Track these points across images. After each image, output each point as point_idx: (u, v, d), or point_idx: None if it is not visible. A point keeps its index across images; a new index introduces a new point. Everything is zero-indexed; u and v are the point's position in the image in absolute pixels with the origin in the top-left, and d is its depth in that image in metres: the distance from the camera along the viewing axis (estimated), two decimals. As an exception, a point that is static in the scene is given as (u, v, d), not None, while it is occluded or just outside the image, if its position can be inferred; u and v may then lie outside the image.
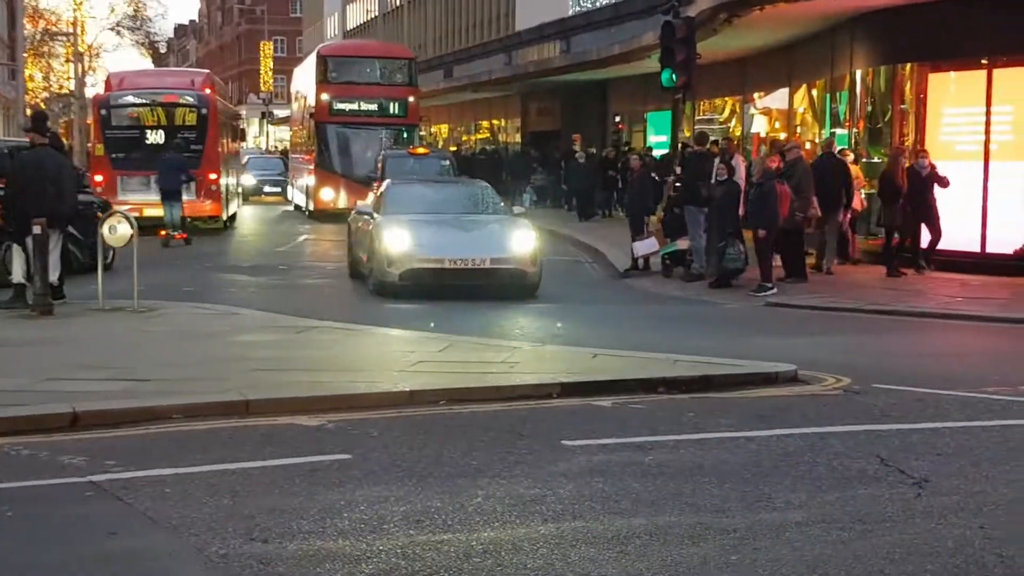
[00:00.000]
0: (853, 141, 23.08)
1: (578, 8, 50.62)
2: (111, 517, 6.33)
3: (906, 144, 20.54)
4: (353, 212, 19.67)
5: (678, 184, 20.18)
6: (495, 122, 58.97)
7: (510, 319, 14.85)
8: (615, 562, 5.58)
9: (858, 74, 23.09)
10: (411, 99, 35.41)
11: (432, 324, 13.55)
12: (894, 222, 18.96)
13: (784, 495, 6.71)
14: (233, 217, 32.83)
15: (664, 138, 32.23)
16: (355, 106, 34.85)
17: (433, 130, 62.15)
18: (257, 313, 14.50)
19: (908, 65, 21.14)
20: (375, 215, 17.60)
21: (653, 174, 22.90)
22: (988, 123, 19.30)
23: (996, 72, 19.41)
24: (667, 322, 14.38)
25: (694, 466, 7.39)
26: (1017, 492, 6.83)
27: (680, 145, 23.25)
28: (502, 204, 19.01)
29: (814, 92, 27.59)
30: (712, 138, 24.09)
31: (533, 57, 48.00)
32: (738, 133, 33.36)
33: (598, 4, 48.53)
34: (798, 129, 28.48)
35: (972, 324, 14.71)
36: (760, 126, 32.04)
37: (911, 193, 18.71)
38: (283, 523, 6.15)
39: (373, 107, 34.89)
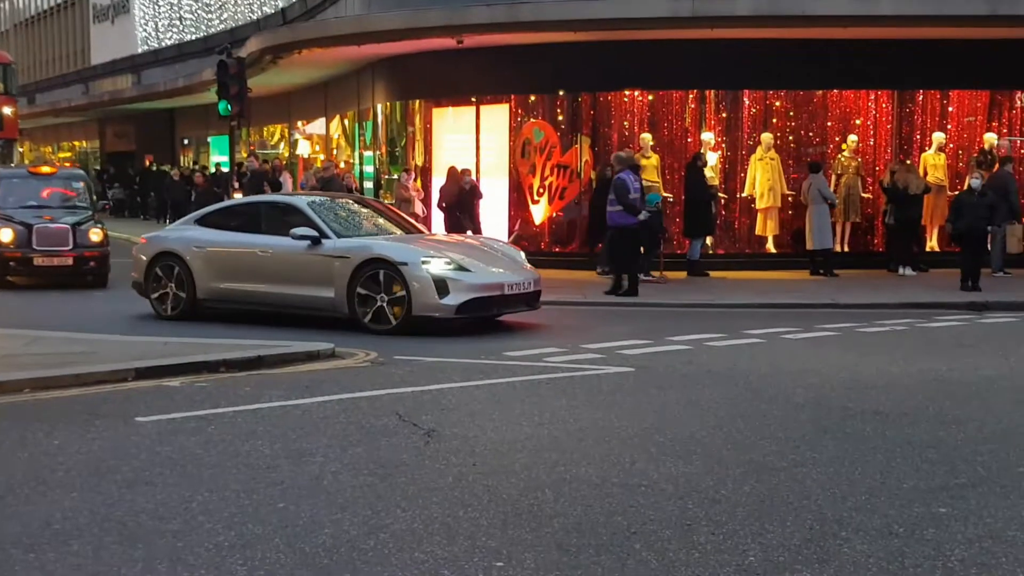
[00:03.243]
0: (377, 162, 23.51)
1: (147, 47, 48.45)
2: None
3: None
4: (216, 239, 13.16)
5: (238, 197, 19.81)
6: (77, 144, 55.46)
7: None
8: (179, 518, 5.39)
9: (379, 107, 23.53)
10: (8, 110, 27.73)
11: None
12: (454, 228, 19.03)
13: (323, 451, 6.72)
14: None
15: (226, 158, 31.54)
16: None
17: (20, 149, 57.64)
18: None
19: (417, 101, 21.77)
20: (331, 238, 12.35)
21: (217, 188, 22.40)
22: (478, 147, 20.25)
23: (483, 108, 20.38)
24: (226, 316, 13.77)
25: (249, 432, 7.27)
26: (500, 435, 7.15)
27: (238, 165, 22.86)
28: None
29: (346, 121, 27.87)
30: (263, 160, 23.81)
31: (108, 88, 45.67)
32: (286, 155, 33.17)
33: (164, 43, 46.66)
34: (335, 151, 28.67)
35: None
36: (304, 149, 32.01)
37: (461, 203, 18.99)
38: None
39: None
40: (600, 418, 7.69)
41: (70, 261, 17.12)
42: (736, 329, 12.14)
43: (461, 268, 11.99)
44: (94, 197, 19.12)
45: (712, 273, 18.15)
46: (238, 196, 20.95)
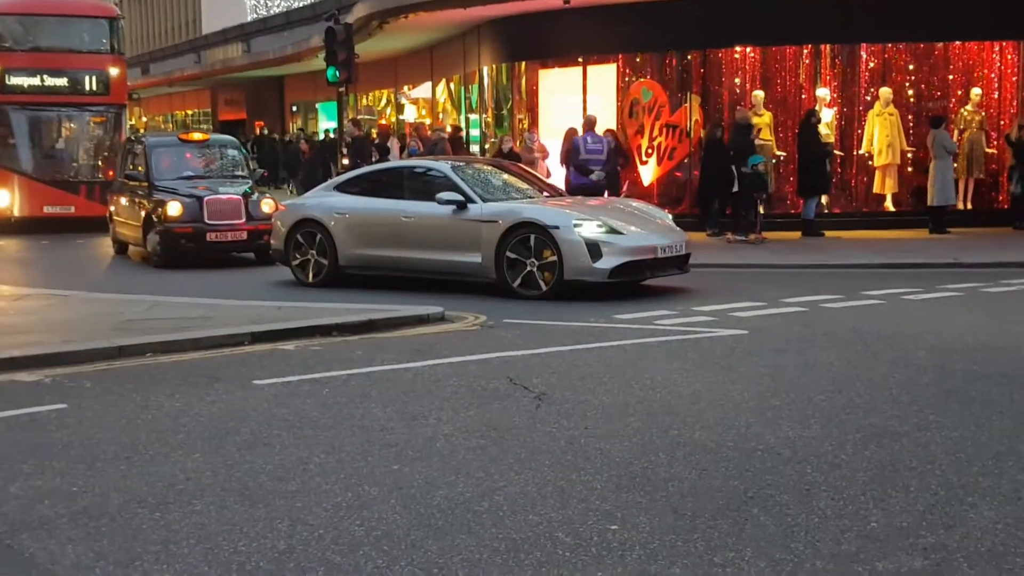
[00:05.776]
0: (483, 124, 23.55)
1: (255, 15, 49.30)
2: None
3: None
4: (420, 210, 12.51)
5: (345, 163, 20.07)
6: (189, 112, 56.77)
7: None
8: (297, 479, 5.53)
9: (485, 70, 23.53)
10: (114, 71, 23.45)
11: None
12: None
13: (435, 413, 6.79)
14: None
15: (333, 124, 31.95)
16: (35, 81, 23.04)
17: (132, 122, 59.25)
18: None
19: (523, 63, 21.71)
20: (476, 202, 12.11)
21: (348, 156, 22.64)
22: (585, 107, 20.10)
23: (590, 68, 20.22)
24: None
25: (362, 394, 7.39)
26: (612, 398, 7.14)
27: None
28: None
29: (452, 85, 27.95)
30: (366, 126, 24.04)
31: (219, 56, 46.57)
32: (393, 119, 33.46)
33: (272, 11, 47.42)
34: (440, 115, 28.80)
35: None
36: (410, 114, 32.26)
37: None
38: (4, 468, 5.75)
39: (60, 82, 23.19)
40: (714, 381, 7.61)
41: (244, 236, 15.70)
42: (854, 290, 11.88)
43: (613, 231, 11.65)
44: (252, 165, 17.51)
45: (828, 233, 17.78)
46: (345, 163, 21.23)
